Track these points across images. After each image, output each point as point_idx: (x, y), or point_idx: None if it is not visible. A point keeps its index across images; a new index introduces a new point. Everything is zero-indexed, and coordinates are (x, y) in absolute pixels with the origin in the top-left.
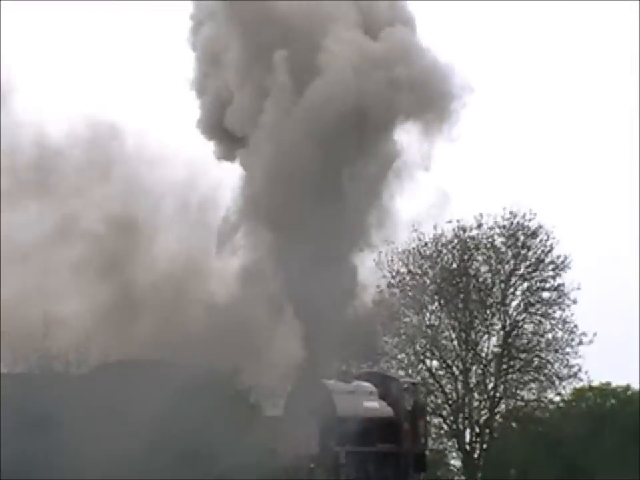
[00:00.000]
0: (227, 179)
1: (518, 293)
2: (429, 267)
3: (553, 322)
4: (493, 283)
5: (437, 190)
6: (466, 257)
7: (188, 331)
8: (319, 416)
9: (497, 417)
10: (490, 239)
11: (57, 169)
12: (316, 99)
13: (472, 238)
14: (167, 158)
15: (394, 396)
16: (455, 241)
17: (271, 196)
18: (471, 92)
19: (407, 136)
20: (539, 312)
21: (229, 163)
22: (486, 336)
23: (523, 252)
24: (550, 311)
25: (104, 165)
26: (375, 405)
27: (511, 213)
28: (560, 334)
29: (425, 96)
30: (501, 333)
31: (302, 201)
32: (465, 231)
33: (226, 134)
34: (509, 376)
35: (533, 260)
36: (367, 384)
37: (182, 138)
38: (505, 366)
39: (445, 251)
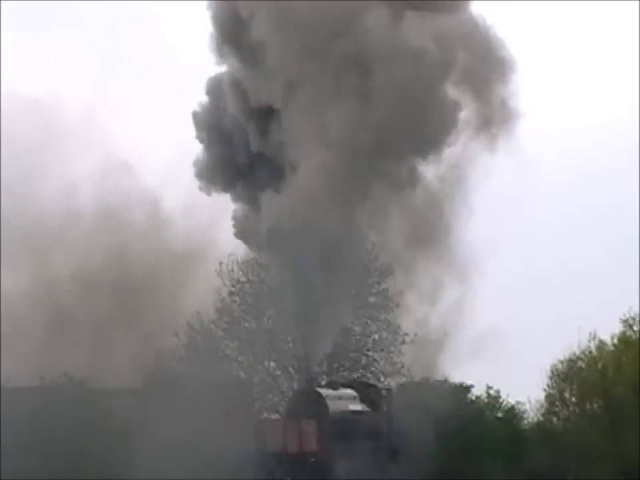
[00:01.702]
0: None
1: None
2: (265, 275)
3: (379, 323)
4: None
5: None
6: None
7: None
8: (315, 417)
9: None
10: None
11: None
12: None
13: None
14: None
15: (372, 400)
16: None
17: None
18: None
19: None
20: (366, 315)
21: None
22: None
23: None
24: (376, 313)
25: None
26: (357, 408)
27: None
28: (385, 334)
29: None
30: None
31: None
32: None
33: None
34: (340, 374)
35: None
36: (350, 390)
37: None
38: (336, 365)
39: None
